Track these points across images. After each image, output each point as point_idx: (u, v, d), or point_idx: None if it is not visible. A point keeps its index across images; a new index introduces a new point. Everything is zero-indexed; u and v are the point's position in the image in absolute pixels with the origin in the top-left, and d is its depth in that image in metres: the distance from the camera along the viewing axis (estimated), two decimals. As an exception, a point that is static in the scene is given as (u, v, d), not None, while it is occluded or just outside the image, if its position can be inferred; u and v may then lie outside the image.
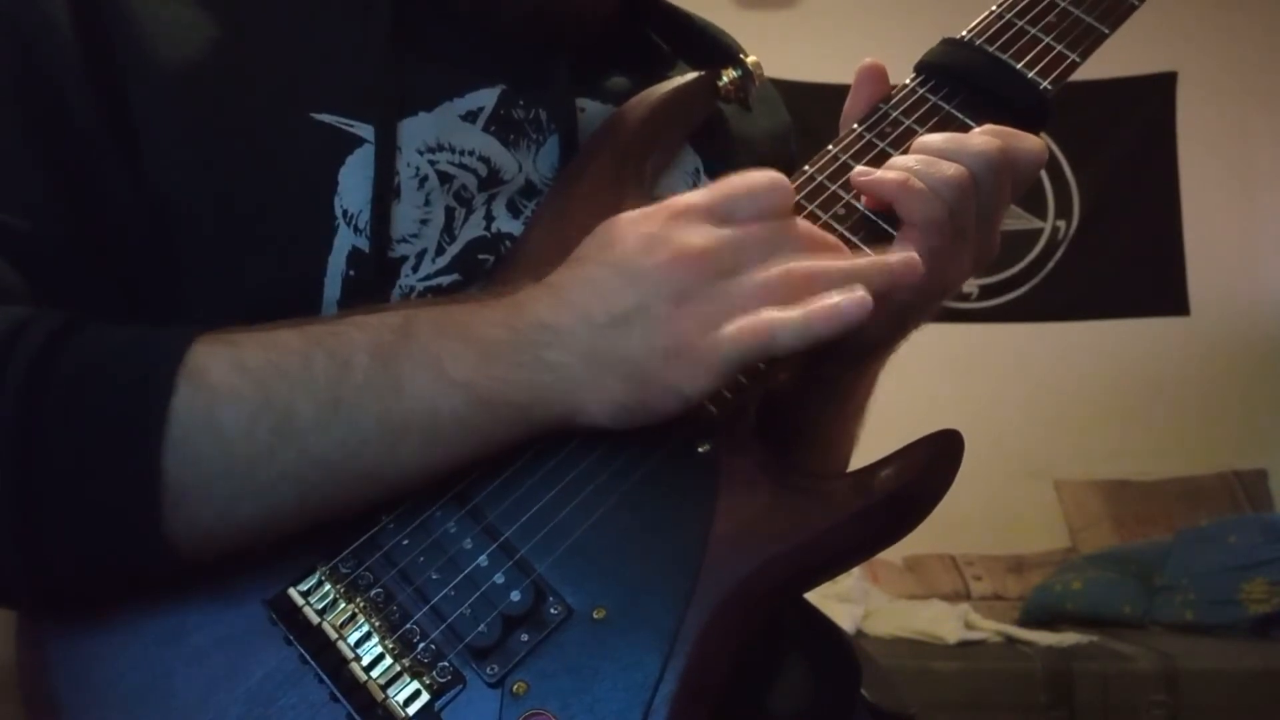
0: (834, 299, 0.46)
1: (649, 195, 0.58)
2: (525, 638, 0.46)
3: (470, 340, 0.48)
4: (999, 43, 0.58)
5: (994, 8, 0.60)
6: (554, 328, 0.48)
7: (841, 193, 0.55)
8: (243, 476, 0.45)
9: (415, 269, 0.56)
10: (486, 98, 0.59)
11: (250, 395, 0.46)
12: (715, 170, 0.62)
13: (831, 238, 0.52)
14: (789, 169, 0.58)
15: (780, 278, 0.48)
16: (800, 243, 0.50)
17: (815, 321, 0.46)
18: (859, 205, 0.55)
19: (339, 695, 0.45)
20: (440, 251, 0.57)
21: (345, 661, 0.46)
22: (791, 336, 0.46)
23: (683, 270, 0.47)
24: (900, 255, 0.50)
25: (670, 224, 0.49)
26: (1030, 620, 2.88)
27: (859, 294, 0.46)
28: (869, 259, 0.50)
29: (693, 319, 0.47)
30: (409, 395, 0.47)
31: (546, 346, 0.47)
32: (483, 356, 0.47)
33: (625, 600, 0.47)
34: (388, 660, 0.46)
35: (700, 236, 0.48)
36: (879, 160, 0.55)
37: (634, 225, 0.50)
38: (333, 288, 0.54)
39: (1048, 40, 0.58)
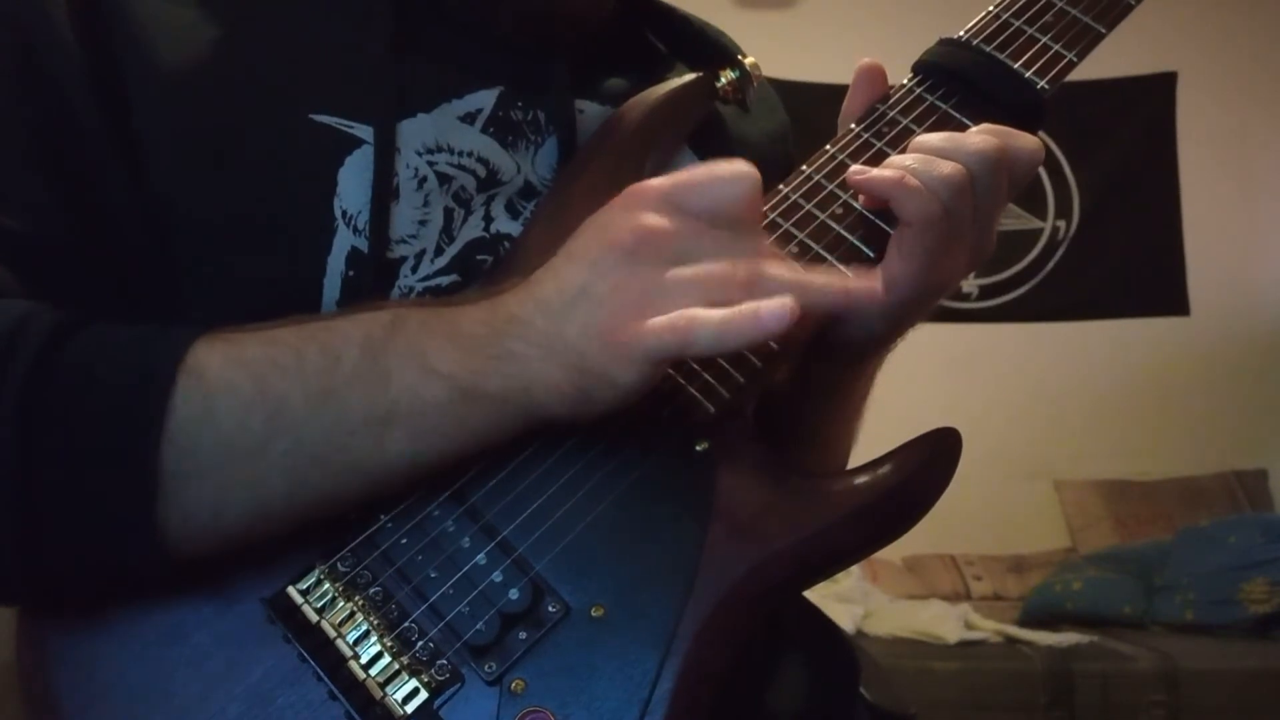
0: (756, 305, 0.45)
1: None
2: (523, 636, 0.46)
3: (454, 336, 0.48)
4: (996, 42, 0.58)
5: (991, 8, 0.60)
6: (520, 319, 0.48)
7: (839, 192, 0.55)
8: (237, 468, 0.46)
9: (414, 269, 0.56)
10: (485, 99, 0.60)
11: (245, 387, 0.46)
12: None
13: (785, 256, 0.51)
14: (787, 169, 0.59)
15: (723, 272, 0.47)
16: (758, 250, 0.49)
17: (731, 328, 0.45)
18: (856, 204, 0.55)
19: (337, 693, 0.45)
20: (439, 252, 0.57)
21: (343, 660, 0.46)
22: (708, 340, 0.45)
23: (626, 247, 0.47)
24: (862, 281, 0.50)
25: (624, 206, 0.49)
26: (1030, 620, 2.88)
27: (782, 302, 0.45)
28: (823, 276, 0.49)
29: (628, 301, 0.46)
30: (395, 386, 0.47)
31: (514, 338, 0.48)
32: (464, 350, 0.48)
33: (623, 598, 0.47)
34: (386, 658, 0.46)
35: (651, 218, 0.48)
36: (877, 160, 0.55)
37: (598, 214, 0.50)
38: (332, 288, 0.54)
39: (1045, 40, 0.58)
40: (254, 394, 0.46)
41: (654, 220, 0.48)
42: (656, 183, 0.49)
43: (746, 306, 0.45)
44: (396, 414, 0.47)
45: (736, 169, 0.49)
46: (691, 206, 0.48)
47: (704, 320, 0.45)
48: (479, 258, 0.58)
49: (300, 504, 0.47)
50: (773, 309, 0.45)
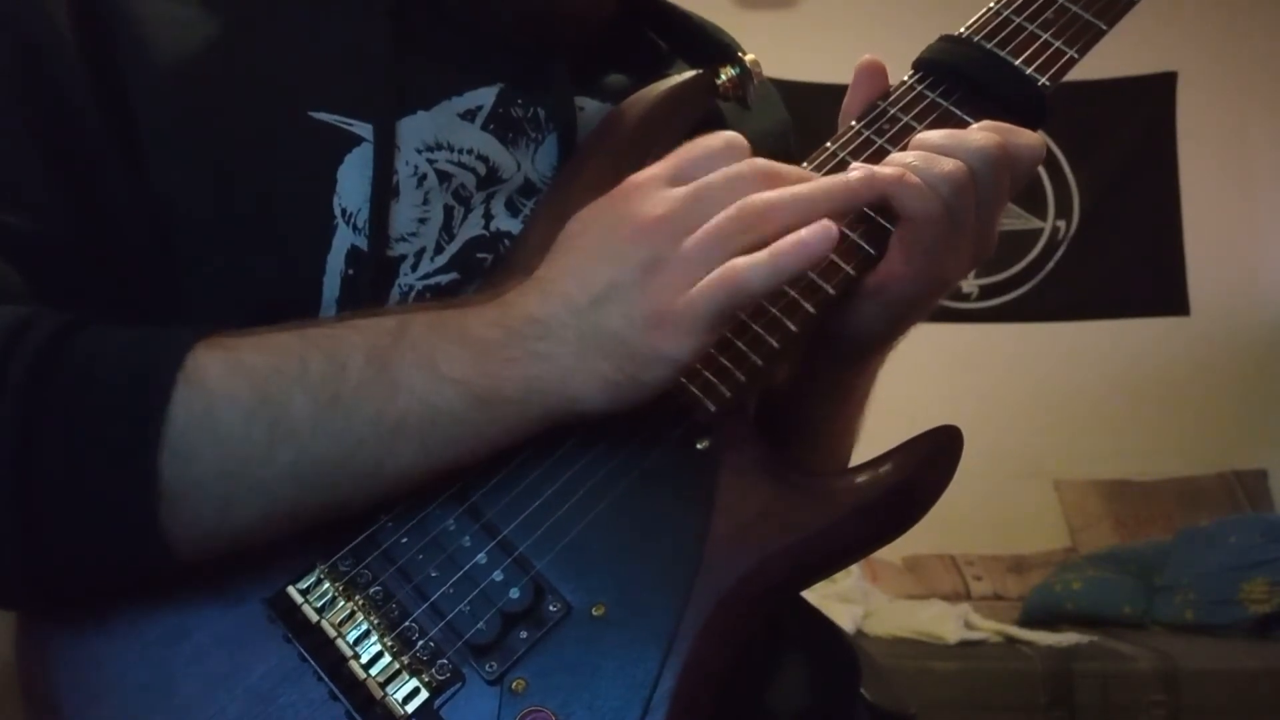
0: (799, 234, 0.46)
1: None
2: (524, 635, 0.46)
3: (465, 341, 0.48)
4: (997, 39, 0.58)
5: (992, 4, 0.60)
6: (541, 320, 0.48)
7: None
8: (240, 476, 0.45)
9: (414, 267, 0.56)
10: (485, 96, 0.59)
11: (247, 396, 0.46)
12: None
13: (789, 166, 0.52)
14: (788, 167, 0.58)
15: (737, 213, 0.48)
16: (755, 177, 0.49)
17: (782, 258, 0.46)
18: None
19: (338, 693, 0.45)
20: (439, 250, 0.57)
21: (344, 659, 0.46)
22: (763, 278, 0.46)
23: (647, 238, 0.48)
24: (859, 172, 0.51)
25: (631, 198, 0.49)
26: (1030, 620, 2.88)
27: (822, 224, 0.47)
28: (827, 179, 0.51)
29: (666, 283, 0.47)
30: (404, 395, 0.47)
31: (537, 339, 0.48)
32: (476, 355, 0.47)
33: (624, 598, 0.47)
34: (386, 658, 0.46)
35: (660, 203, 0.49)
36: (877, 157, 0.55)
37: (601, 209, 0.50)
38: (332, 286, 0.54)
39: (1046, 36, 0.58)
40: (256, 402, 0.46)
41: (662, 204, 0.48)
42: (655, 168, 0.50)
43: (790, 238, 0.46)
44: (407, 423, 0.47)
45: (726, 136, 0.51)
46: (693, 181, 0.49)
47: (750, 264, 0.46)
48: (479, 256, 0.58)
49: (307, 510, 0.47)
50: (815, 232, 0.46)
